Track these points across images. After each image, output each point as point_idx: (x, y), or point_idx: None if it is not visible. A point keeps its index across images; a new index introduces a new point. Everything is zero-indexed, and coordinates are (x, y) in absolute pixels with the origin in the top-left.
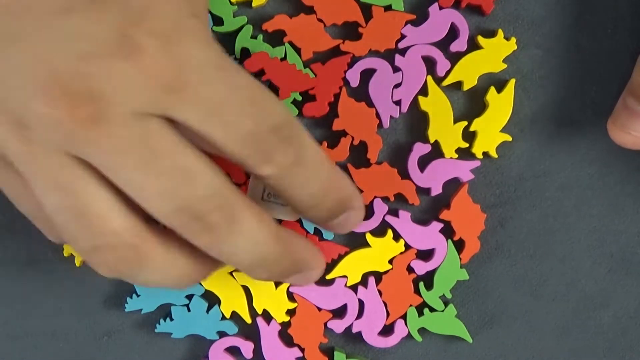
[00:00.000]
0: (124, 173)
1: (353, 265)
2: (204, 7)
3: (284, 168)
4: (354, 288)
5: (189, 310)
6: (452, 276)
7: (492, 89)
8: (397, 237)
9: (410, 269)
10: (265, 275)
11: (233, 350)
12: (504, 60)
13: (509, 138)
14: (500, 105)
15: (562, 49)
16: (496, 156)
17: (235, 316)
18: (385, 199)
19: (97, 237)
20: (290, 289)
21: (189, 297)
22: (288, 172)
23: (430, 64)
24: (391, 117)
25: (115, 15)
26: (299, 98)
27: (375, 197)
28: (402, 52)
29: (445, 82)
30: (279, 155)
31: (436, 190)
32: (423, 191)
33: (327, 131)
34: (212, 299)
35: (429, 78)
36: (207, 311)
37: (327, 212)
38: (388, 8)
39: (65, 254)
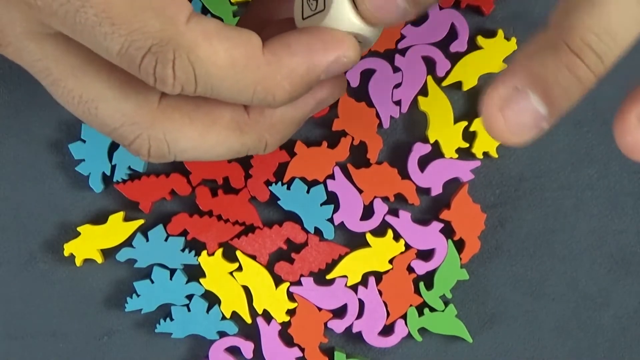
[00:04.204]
0: None
1: (353, 265)
2: None
3: None
4: (354, 288)
5: (189, 310)
6: (452, 276)
7: None
8: (397, 237)
9: (410, 269)
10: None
11: (233, 350)
12: (504, 60)
13: None
14: None
15: None
16: (496, 156)
17: (235, 316)
18: (385, 199)
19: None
20: (291, 289)
21: (189, 297)
22: None
23: (430, 64)
24: (391, 117)
25: None
26: None
27: (375, 197)
28: (402, 52)
29: (445, 82)
30: None
31: (436, 190)
32: (423, 191)
33: (327, 131)
34: (212, 299)
35: (429, 78)
36: (207, 311)
37: None
38: None
39: (66, 254)
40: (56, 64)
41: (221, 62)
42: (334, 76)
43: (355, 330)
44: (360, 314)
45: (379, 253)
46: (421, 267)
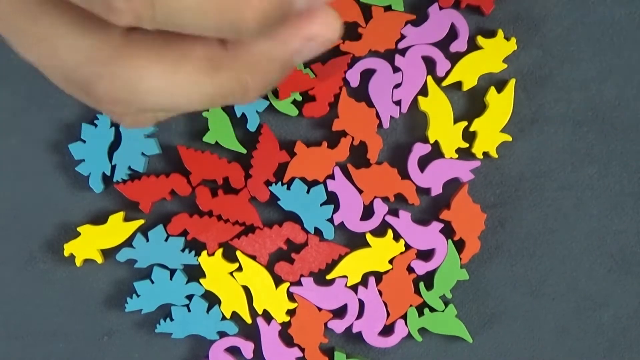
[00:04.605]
0: None
1: (353, 265)
2: None
3: None
4: (354, 288)
5: (189, 310)
6: (452, 276)
7: (492, 89)
8: (397, 237)
9: (410, 269)
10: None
11: (233, 350)
12: (504, 60)
13: (509, 138)
14: (500, 105)
15: (562, 49)
16: (496, 156)
17: (235, 316)
18: (385, 199)
19: None
20: (291, 289)
21: (189, 297)
22: None
23: (430, 64)
24: (391, 117)
25: None
26: (299, 98)
27: (375, 197)
28: (402, 52)
29: (445, 82)
30: None
31: (436, 190)
32: (423, 191)
33: (327, 131)
34: (212, 299)
35: (429, 78)
36: (208, 311)
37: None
38: (388, 8)
39: (66, 254)
40: (9, 4)
41: None
42: (323, 12)
43: (355, 330)
44: (360, 314)
45: (379, 253)
46: (421, 267)
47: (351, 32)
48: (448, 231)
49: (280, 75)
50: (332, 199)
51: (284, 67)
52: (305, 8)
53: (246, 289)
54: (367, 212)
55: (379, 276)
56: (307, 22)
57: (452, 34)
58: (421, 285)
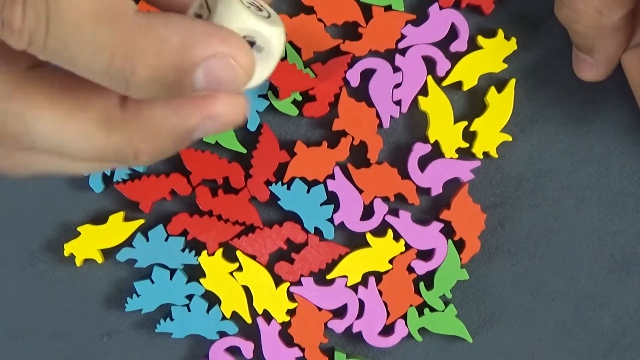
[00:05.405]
0: None
1: (353, 265)
2: None
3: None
4: (354, 288)
5: (189, 310)
6: (452, 276)
7: (492, 89)
8: (397, 237)
9: (410, 269)
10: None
11: (233, 350)
12: (504, 60)
13: (509, 138)
14: (500, 105)
15: (562, 49)
16: (496, 156)
17: (235, 316)
18: (385, 199)
19: None
20: (291, 289)
21: (189, 297)
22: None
23: (430, 64)
24: (391, 117)
25: None
26: (299, 98)
27: (375, 197)
28: (402, 52)
29: (445, 82)
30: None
31: (436, 190)
32: (423, 191)
33: (327, 131)
34: (212, 299)
35: (429, 78)
36: (208, 311)
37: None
38: (388, 8)
39: (66, 254)
40: None
41: (83, 8)
42: (230, 93)
43: (355, 330)
44: (360, 314)
45: (379, 253)
46: (421, 267)
47: (351, 32)
48: (448, 231)
49: (174, 147)
50: (332, 199)
51: (180, 140)
52: (204, 89)
53: (246, 289)
54: (367, 212)
55: (379, 276)
56: (210, 100)
57: (452, 34)
58: (421, 285)
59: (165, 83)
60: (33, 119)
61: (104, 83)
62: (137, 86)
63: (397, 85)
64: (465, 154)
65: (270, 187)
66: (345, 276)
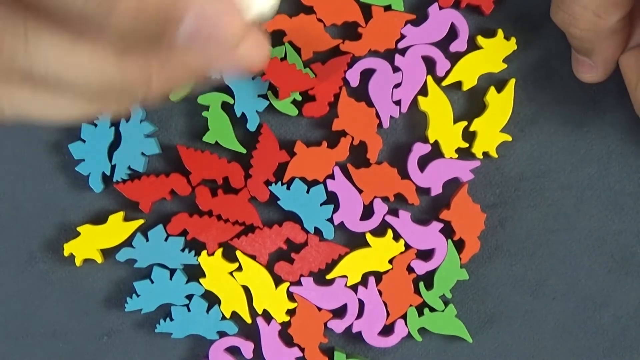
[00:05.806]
0: None
1: (353, 265)
2: None
3: None
4: (354, 288)
5: (189, 310)
6: (452, 276)
7: (492, 89)
8: (397, 237)
9: (410, 269)
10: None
11: (233, 350)
12: (504, 60)
13: (509, 138)
14: (500, 105)
15: (562, 49)
16: (496, 156)
17: (235, 316)
18: (385, 199)
19: None
20: (291, 289)
21: (189, 297)
22: None
23: (430, 64)
24: (391, 117)
25: None
26: (299, 98)
27: (375, 197)
28: (402, 52)
29: (445, 82)
30: None
31: (436, 190)
32: (423, 191)
33: (327, 131)
34: (212, 299)
35: (429, 78)
36: (207, 311)
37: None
38: (388, 8)
39: (66, 254)
40: None
41: None
42: (254, 35)
43: (355, 330)
44: (360, 314)
45: (378, 253)
46: (421, 267)
47: (351, 32)
48: (448, 231)
49: (188, 80)
50: (332, 199)
51: (196, 75)
52: (186, 44)
53: (246, 289)
54: (367, 212)
55: (378, 276)
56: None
57: (452, 34)
58: (421, 285)
59: (144, 30)
60: (36, 39)
61: (82, 25)
62: (113, 29)
63: (397, 85)
64: (465, 154)
65: (270, 187)
66: (345, 276)
